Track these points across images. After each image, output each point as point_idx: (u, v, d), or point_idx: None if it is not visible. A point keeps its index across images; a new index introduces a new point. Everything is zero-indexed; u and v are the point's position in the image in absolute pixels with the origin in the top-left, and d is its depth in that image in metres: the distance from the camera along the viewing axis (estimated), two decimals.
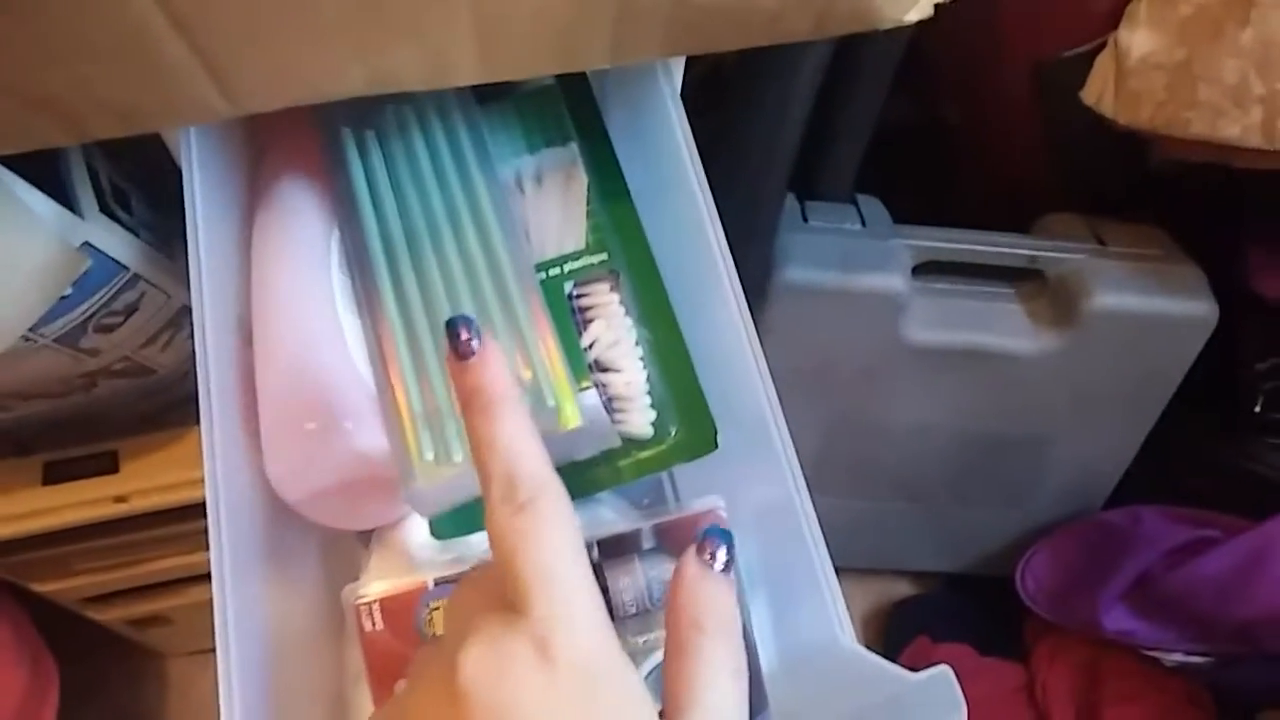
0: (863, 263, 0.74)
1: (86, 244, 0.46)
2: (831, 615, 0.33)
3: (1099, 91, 0.68)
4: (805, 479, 0.36)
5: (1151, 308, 0.74)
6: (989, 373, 0.78)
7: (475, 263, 0.39)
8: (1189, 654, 0.82)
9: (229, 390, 0.36)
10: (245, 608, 0.33)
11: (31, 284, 0.43)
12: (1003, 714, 0.85)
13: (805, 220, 0.76)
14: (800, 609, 0.36)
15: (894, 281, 0.74)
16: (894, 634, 0.95)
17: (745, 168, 0.69)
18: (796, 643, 0.37)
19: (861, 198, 0.78)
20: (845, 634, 0.33)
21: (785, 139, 0.66)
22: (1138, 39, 0.65)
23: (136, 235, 0.50)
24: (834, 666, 0.34)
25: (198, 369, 0.34)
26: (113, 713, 0.89)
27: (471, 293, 0.38)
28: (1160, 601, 0.80)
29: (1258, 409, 0.80)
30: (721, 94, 0.67)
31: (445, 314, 0.38)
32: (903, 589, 0.99)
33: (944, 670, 0.30)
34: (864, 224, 0.76)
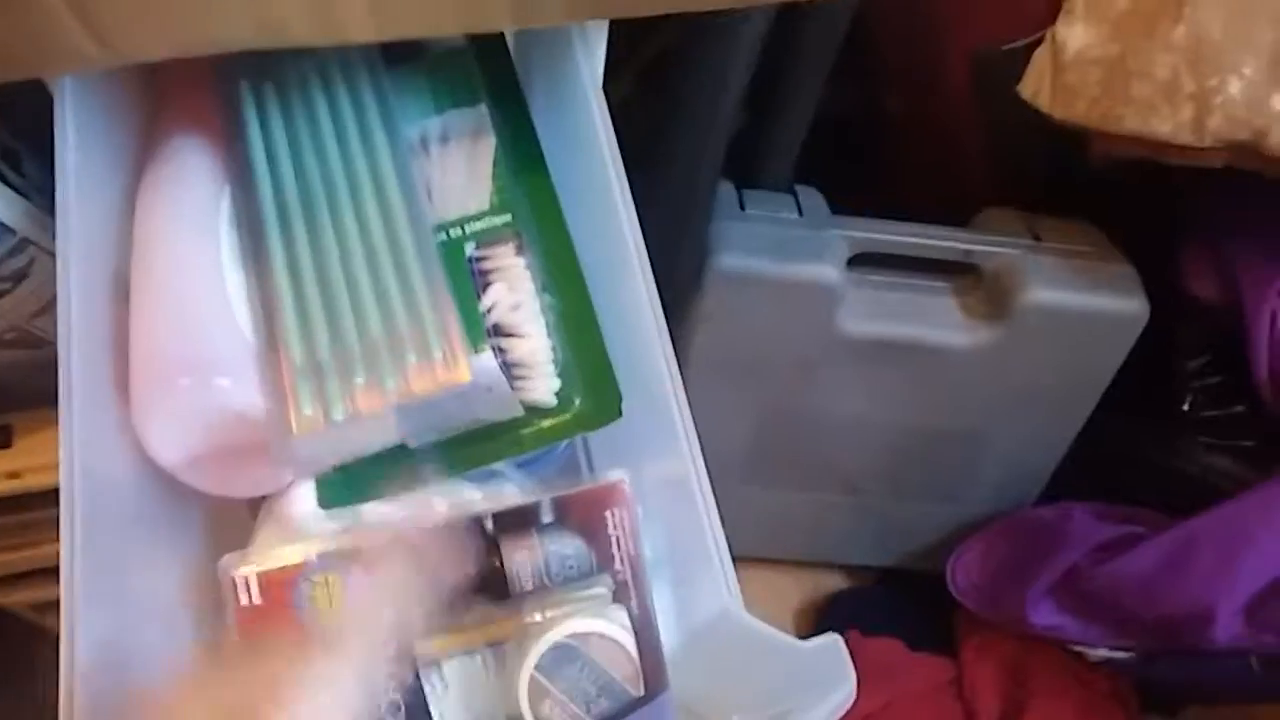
0: (798, 252, 0.73)
1: None
2: (722, 589, 0.32)
3: (1035, 85, 0.68)
4: (718, 465, 0.35)
5: (1084, 304, 0.74)
6: (923, 366, 0.78)
7: (371, 222, 0.37)
8: (1113, 649, 0.82)
9: (98, 349, 0.34)
10: (102, 583, 0.31)
11: None
12: (931, 708, 0.85)
13: (742, 208, 0.75)
14: (698, 586, 0.35)
15: (828, 272, 0.73)
16: (826, 627, 0.93)
17: (680, 152, 0.68)
18: (696, 619, 0.36)
19: (800, 188, 0.78)
20: (736, 606, 0.32)
21: (719, 122, 0.65)
22: (1074, 33, 0.65)
23: (27, 198, 0.48)
24: (730, 641, 0.34)
25: (58, 325, 0.32)
26: (15, 703, 0.86)
27: (365, 252, 0.37)
28: (1086, 597, 0.80)
29: (1187, 407, 0.81)
30: (654, 80, 0.67)
31: (337, 272, 0.36)
32: (836, 582, 0.99)
33: (834, 639, 0.29)
34: (801, 213, 0.75)
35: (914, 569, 0.96)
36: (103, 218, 0.37)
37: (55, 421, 0.59)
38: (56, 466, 0.58)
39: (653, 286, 0.38)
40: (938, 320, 0.77)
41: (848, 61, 0.71)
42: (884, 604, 0.96)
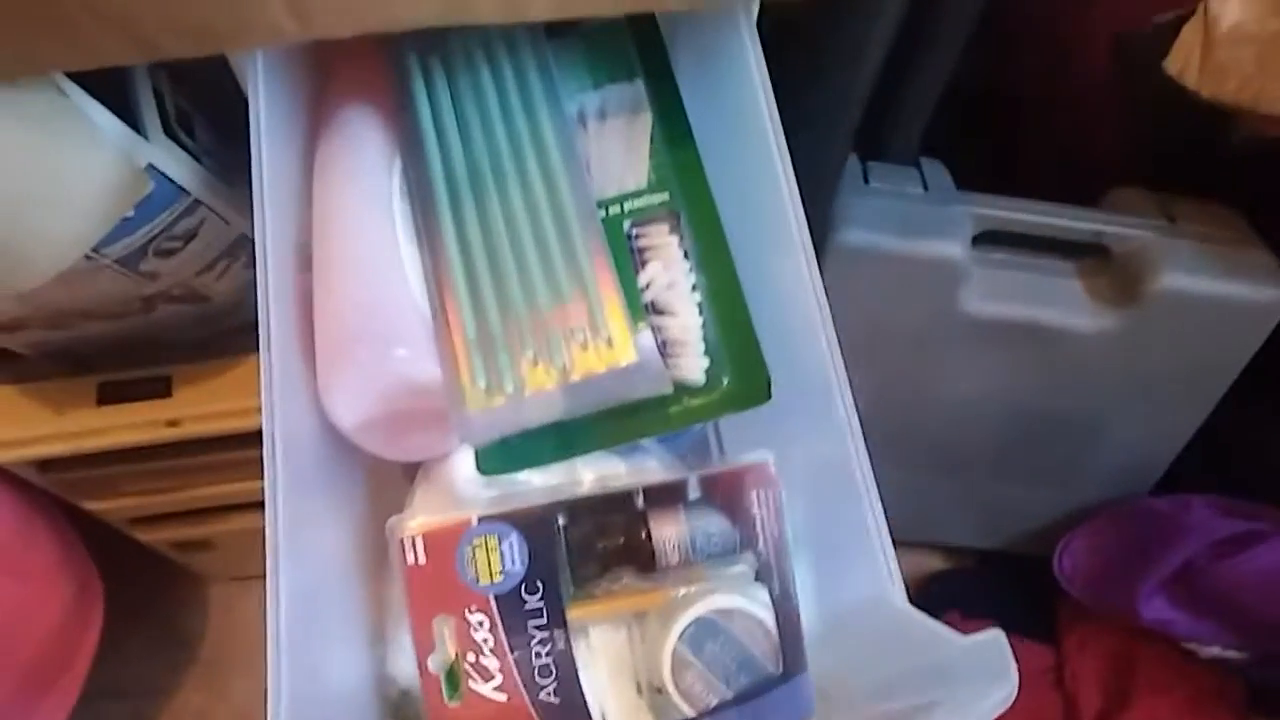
0: (923, 228, 0.72)
1: (150, 166, 0.46)
2: (884, 575, 0.33)
3: (1183, 62, 0.65)
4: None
5: (1220, 291, 0.72)
6: (1044, 349, 0.76)
7: (536, 197, 0.38)
8: (1226, 648, 0.80)
9: (287, 316, 0.36)
10: (295, 535, 0.33)
11: (96, 202, 0.43)
12: (1030, 696, 0.84)
13: (866, 181, 0.74)
14: (850, 569, 0.36)
15: (954, 249, 0.72)
16: (926, 607, 0.94)
17: (811, 124, 0.67)
18: (844, 603, 0.37)
19: (925, 161, 0.76)
20: (898, 594, 0.33)
21: (855, 94, 0.64)
22: (1229, 8, 0.62)
23: (199, 161, 0.50)
24: (882, 627, 0.34)
25: (258, 293, 0.34)
26: (154, 633, 0.92)
27: (532, 227, 0.37)
28: (1202, 593, 0.78)
29: None
30: (789, 47, 0.65)
31: (505, 246, 0.37)
32: (936, 563, 0.99)
33: (997, 635, 0.29)
34: (926, 188, 0.74)
35: (1017, 552, 0.95)
36: (286, 188, 0.38)
37: (212, 374, 0.62)
38: (213, 416, 0.62)
39: (813, 260, 0.38)
40: (1063, 303, 0.75)
41: (979, 33, 0.69)
42: (985, 587, 0.95)
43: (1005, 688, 0.28)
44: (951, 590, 0.95)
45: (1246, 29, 0.61)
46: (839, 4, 0.60)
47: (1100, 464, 0.86)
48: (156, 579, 0.90)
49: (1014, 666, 0.29)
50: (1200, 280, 0.72)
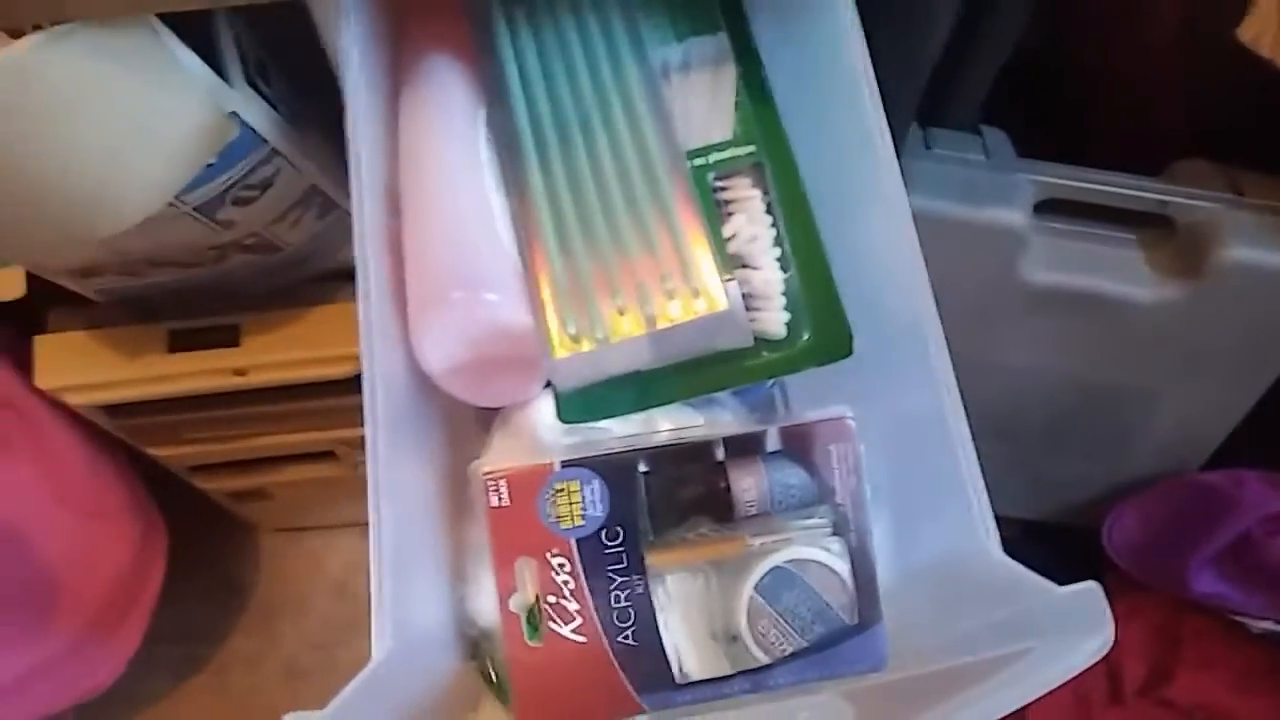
0: (984, 195, 0.71)
1: (233, 113, 0.46)
2: (979, 527, 0.33)
3: (1257, 29, 0.64)
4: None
5: None
6: (1103, 319, 0.76)
7: (623, 145, 0.38)
8: (1278, 622, 0.80)
9: (382, 262, 0.36)
10: (392, 477, 0.33)
11: (183, 147, 0.43)
12: None
13: (928, 147, 0.73)
14: (931, 523, 0.36)
15: (1015, 217, 0.71)
16: None
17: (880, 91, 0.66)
18: (924, 556, 0.37)
19: (986, 128, 0.75)
20: (993, 544, 0.33)
21: (923, 59, 0.63)
22: None
23: (275, 109, 0.50)
24: (970, 579, 0.34)
25: (354, 239, 0.34)
26: (207, 580, 0.94)
27: (618, 174, 0.38)
28: (1254, 568, 0.78)
29: None
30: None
31: (592, 194, 0.37)
32: None
33: (1093, 586, 0.29)
34: (988, 155, 0.73)
35: (1063, 523, 0.94)
36: (374, 136, 0.38)
37: (280, 324, 0.63)
38: (280, 366, 0.63)
39: (907, 207, 0.38)
40: (1123, 273, 0.74)
41: None
42: (1030, 557, 0.94)
43: (1101, 636, 0.28)
44: None
45: None
46: None
47: (1153, 437, 0.85)
48: (209, 527, 0.92)
49: (1110, 616, 0.29)
50: (1266, 253, 0.70)
